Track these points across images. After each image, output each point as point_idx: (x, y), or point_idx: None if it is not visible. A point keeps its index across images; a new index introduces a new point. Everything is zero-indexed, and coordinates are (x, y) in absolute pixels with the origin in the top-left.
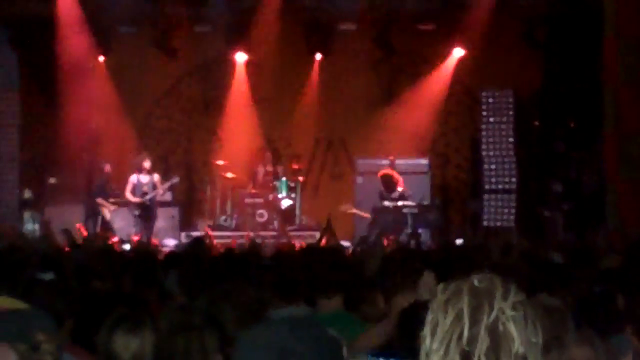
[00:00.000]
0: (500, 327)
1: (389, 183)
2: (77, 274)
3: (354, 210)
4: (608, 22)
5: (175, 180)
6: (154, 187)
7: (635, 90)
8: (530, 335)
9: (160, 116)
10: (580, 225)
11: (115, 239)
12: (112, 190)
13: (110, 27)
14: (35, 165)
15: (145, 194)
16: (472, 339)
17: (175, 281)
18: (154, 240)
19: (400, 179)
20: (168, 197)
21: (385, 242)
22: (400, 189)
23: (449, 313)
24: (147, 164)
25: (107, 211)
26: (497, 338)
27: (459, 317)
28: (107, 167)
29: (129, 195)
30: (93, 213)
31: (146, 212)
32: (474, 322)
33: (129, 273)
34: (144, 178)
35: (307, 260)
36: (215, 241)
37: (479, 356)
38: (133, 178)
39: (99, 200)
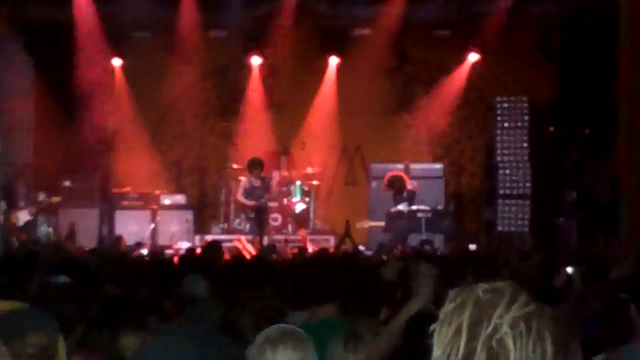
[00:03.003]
0: (497, 342)
1: (395, 184)
2: (91, 279)
3: (371, 224)
4: (623, 31)
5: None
6: (267, 189)
7: None
8: (532, 349)
9: (173, 121)
10: (594, 234)
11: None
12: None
13: (126, 32)
14: (49, 169)
15: (260, 197)
16: (469, 354)
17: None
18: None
19: (407, 177)
20: (182, 200)
21: (398, 251)
22: (409, 187)
23: (451, 325)
24: (255, 171)
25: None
26: (493, 353)
27: (458, 331)
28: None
29: (241, 198)
30: (108, 217)
31: (259, 215)
32: (472, 336)
33: (145, 278)
34: (256, 181)
35: (319, 266)
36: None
37: None
38: (245, 182)
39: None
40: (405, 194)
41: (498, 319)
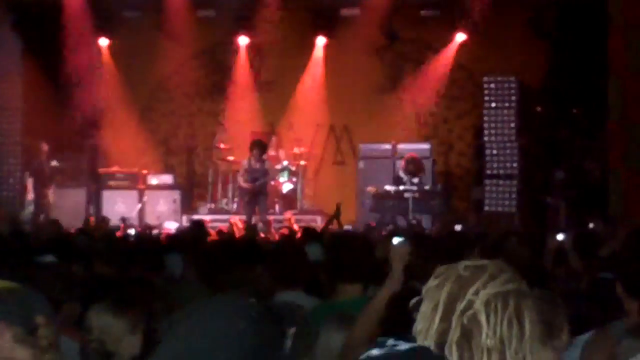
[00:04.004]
0: (469, 318)
1: (416, 166)
2: (80, 258)
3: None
4: (614, 11)
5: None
6: (265, 173)
7: None
8: (506, 326)
9: (162, 100)
10: (583, 213)
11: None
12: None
13: (115, 11)
14: (37, 149)
15: (255, 179)
16: (444, 330)
17: (177, 264)
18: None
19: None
20: (170, 180)
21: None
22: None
23: (432, 301)
24: (256, 153)
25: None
26: (467, 329)
27: (436, 306)
28: (45, 147)
29: (239, 180)
30: (95, 197)
31: (254, 198)
32: (448, 312)
33: (134, 257)
34: (256, 164)
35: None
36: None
37: (451, 346)
38: (245, 163)
39: None
40: (415, 179)
41: (473, 295)
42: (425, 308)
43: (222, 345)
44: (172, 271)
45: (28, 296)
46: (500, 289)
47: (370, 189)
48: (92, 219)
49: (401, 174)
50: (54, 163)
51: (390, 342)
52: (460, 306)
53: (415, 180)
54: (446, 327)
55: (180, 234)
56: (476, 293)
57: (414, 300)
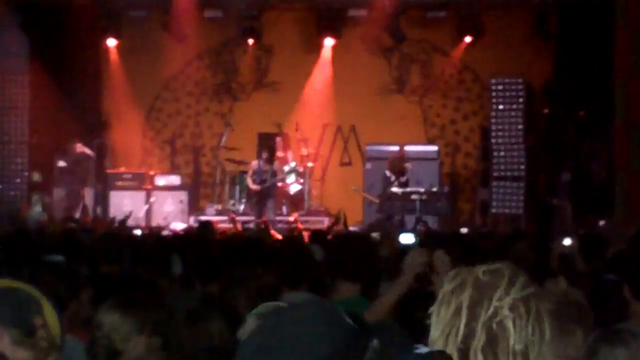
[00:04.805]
0: (497, 324)
1: (397, 166)
2: (86, 258)
3: (364, 194)
4: (619, 13)
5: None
6: (273, 175)
7: None
8: (531, 331)
9: (168, 100)
10: (589, 215)
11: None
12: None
13: (122, 10)
14: (44, 149)
15: (264, 181)
16: (469, 335)
17: (179, 265)
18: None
19: (408, 166)
20: (177, 181)
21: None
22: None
23: (451, 306)
24: (264, 154)
25: None
26: (493, 334)
27: (458, 312)
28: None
29: (248, 181)
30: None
31: (262, 199)
32: (472, 317)
33: (140, 257)
34: (265, 165)
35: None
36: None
37: (476, 352)
38: (254, 165)
39: None
40: (402, 179)
41: (498, 301)
42: (444, 313)
43: (299, 349)
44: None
45: (26, 296)
46: (522, 294)
47: (355, 188)
48: (90, 218)
49: (387, 173)
50: (61, 163)
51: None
52: (487, 313)
53: (403, 179)
54: (468, 333)
55: (186, 234)
56: (501, 299)
57: (432, 308)
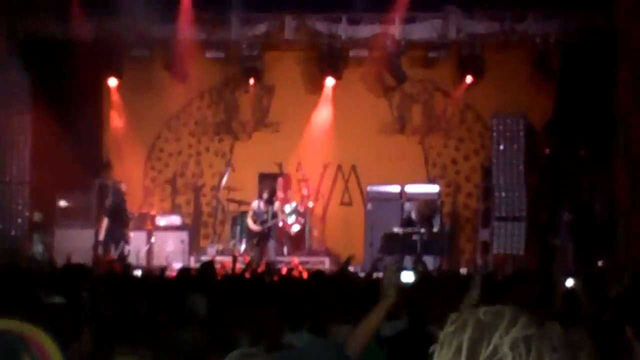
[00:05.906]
0: None
1: (431, 209)
2: (88, 298)
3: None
4: (621, 52)
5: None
6: (274, 215)
7: None
8: None
9: (169, 139)
10: (591, 254)
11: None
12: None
13: (123, 50)
14: (45, 188)
15: (265, 221)
16: None
17: (200, 304)
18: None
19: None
20: (178, 221)
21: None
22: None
23: (452, 346)
24: (265, 195)
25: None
26: None
27: (458, 351)
28: (124, 187)
29: (249, 222)
30: (113, 238)
31: (263, 240)
32: (472, 356)
33: (142, 296)
34: (265, 206)
35: (316, 286)
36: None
37: None
38: (254, 205)
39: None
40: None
41: (498, 339)
42: (445, 353)
43: None
44: (193, 310)
45: (17, 337)
46: (523, 333)
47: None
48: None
49: (413, 216)
50: (62, 203)
51: None
52: (487, 351)
53: (427, 223)
54: None
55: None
56: (501, 337)
57: (433, 348)
